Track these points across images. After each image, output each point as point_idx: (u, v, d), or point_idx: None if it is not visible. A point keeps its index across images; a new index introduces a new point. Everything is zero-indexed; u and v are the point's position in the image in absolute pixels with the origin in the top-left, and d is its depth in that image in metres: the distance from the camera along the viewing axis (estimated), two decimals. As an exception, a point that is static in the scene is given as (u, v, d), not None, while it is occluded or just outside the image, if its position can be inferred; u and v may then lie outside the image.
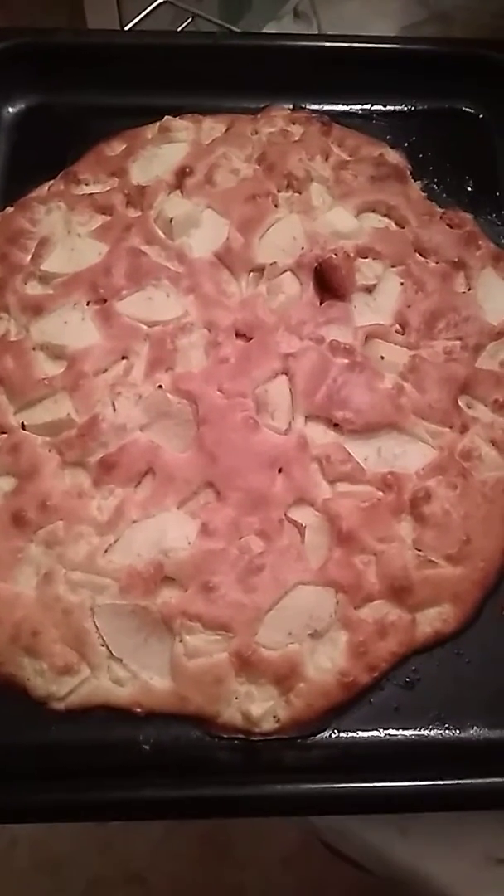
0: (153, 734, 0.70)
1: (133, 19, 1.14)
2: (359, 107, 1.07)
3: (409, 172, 0.99)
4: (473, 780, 0.67)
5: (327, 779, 0.67)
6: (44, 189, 0.97)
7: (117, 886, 1.77)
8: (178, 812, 0.72)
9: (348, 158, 0.99)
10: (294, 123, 1.01)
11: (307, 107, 1.04)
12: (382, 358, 0.84)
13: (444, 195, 0.99)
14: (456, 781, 0.67)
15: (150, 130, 1.00)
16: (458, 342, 0.86)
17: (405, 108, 1.08)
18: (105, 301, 0.86)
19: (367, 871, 0.83)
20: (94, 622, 0.72)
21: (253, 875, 1.79)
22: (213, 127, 1.01)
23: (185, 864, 1.79)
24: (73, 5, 1.38)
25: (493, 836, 0.74)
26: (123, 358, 0.84)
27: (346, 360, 0.83)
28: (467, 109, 1.08)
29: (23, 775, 0.68)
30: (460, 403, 0.84)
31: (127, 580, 0.73)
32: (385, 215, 0.95)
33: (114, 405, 0.81)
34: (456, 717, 0.72)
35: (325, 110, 1.05)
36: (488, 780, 0.67)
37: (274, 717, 0.70)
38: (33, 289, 0.89)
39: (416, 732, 0.71)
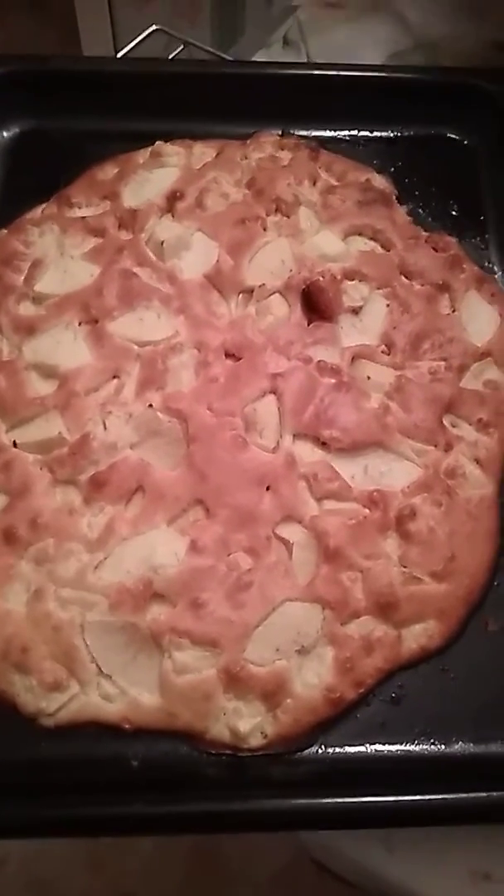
0: (142, 750, 0.71)
1: (126, 46, 1.17)
2: (346, 133, 1.10)
3: (395, 197, 1.01)
4: (459, 795, 0.68)
5: (315, 794, 0.68)
6: (37, 212, 0.99)
7: (108, 904, 1.76)
8: (168, 828, 0.72)
9: (336, 183, 1.01)
10: (283, 149, 1.03)
11: (296, 133, 1.07)
12: (369, 378, 0.86)
13: (430, 219, 1.02)
14: (442, 796, 0.67)
15: (142, 155, 1.02)
16: (442, 363, 0.88)
17: (392, 135, 1.10)
18: (97, 321, 0.87)
19: (355, 888, 0.83)
20: (84, 639, 0.73)
21: (244, 893, 1.77)
22: (203, 152, 1.03)
23: (175, 883, 1.77)
24: (67, 32, 1.41)
25: (478, 851, 0.74)
26: (114, 377, 0.85)
27: (333, 380, 0.85)
28: (452, 136, 1.11)
29: (12, 791, 0.68)
30: (445, 422, 0.85)
31: (116, 597, 0.74)
32: (371, 239, 0.97)
33: (105, 424, 0.82)
34: (441, 733, 0.73)
35: (314, 136, 1.07)
36: (474, 794, 0.68)
37: (261, 732, 0.71)
38: (26, 309, 0.90)
39: (402, 747, 0.72)
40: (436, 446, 0.83)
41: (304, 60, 1.23)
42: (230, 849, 1.79)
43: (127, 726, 0.71)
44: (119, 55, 1.17)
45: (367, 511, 0.79)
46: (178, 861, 1.79)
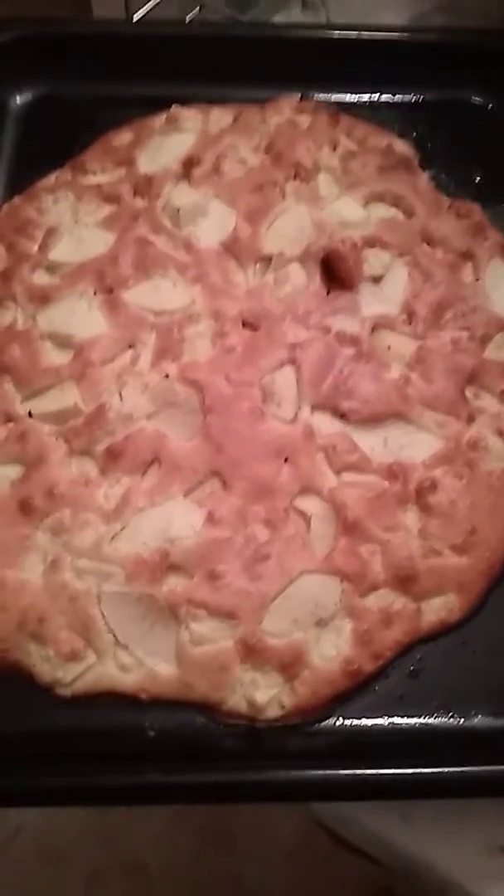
0: (158, 720, 0.71)
1: (140, 9, 1.14)
2: (367, 97, 1.07)
3: (417, 163, 0.99)
4: (476, 768, 0.67)
5: (331, 765, 0.68)
6: (51, 179, 0.97)
7: (118, 877, 1.78)
8: (183, 797, 0.73)
9: (356, 148, 0.98)
10: (302, 113, 1.01)
11: (315, 97, 1.04)
12: (389, 348, 0.84)
13: (452, 186, 0.99)
14: (459, 769, 0.67)
15: (158, 120, 1.00)
16: (465, 332, 0.86)
17: (413, 99, 1.08)
18: (112, 290, 0.86)
19: (369, 859, 0.84)
20: (101, 609, 0.73)
21: (254, 867, 1.79)
22: (220, 117, 1.01)
23: (186, 856, 1.80)
24: (79, -5, 1.38)
25: (495, 823, 0.74)
26: (130, 347, 0.84)
27: (352, 350, 0.83)
28: (476, 100, 1.08)
29: (29, 760, 0.69)
30: (467, 394, 0.83)
31: (133, 568, 0.73)
32: (393, 205, 0.95)
33: (120, 394, 0.81)
34: (460, 706, 0.72)
35: (333, 100, 1.05)
36: (491, 767, 0.67)
37: (279, 704, 0.70)
38: (40, 278, 0.89)
39: (421, 720, 0.72)
40: (457, 418, 0.82)
41: (324, 22, 1.20)
42: (242, 823, 1.81)
43: (143, 697, 0.71)
44: (135, 18, 1.14)
45: (386, 483, 0.78)
46: (190, 834, 1.81)
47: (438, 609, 0.75)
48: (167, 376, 0.81)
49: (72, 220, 0.92)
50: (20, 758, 0.69)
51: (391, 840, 0.74)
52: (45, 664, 0.72)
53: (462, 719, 0.72)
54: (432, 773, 0.67)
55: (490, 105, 1.07)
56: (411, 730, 0.71)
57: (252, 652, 0.71)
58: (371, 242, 0.89)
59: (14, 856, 1.80)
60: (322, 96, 1.05)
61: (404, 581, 0.74)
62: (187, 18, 1.16)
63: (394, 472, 0.78)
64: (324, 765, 0.68)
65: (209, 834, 1.81)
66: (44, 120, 1.04)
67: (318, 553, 0.75)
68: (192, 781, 0.68)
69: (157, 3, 1.16)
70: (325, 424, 0.80)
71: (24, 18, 1.07)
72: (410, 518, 0.77)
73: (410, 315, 0.86)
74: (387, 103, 1.07)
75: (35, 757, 0.69)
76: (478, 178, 1.00)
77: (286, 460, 0.78)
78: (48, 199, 0.94)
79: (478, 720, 0.72)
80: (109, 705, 0.71)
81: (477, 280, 0.90)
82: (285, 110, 1.01)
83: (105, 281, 0.86)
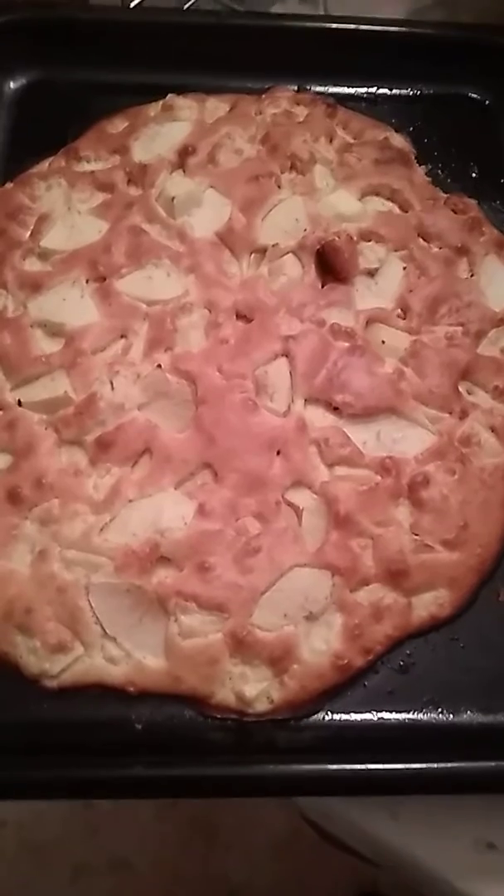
0: (146, 713, 0.70)
1: (137, -4, 1.13)
2: (364, 90, 1.07)
3: (413, 157, 0.98)
4: (465, 764, 0.67)
5: (319, 760, 0.67)
6: (44, 165, 0.96)
7: (103, 871, 1.78)
8: (170, 791, 0.72)
9: (353, 141, 0.98)
10: (298, 105, 1.00)
11: (312, 88, 1.04)
12: (383, 342, 0.84)
13: (449, 180, 0.99)
14: (447, 765, 0.67)
15: (153, 108, 0.99)
16: (459, 328, 0.86)
17: (411, 93, 1.07)
18: (104, 279, 0.85)
19: (355, 855, 0.83)
20: (89, 600, 0.72)
21: (239, 861, 1.79)
22: (216, 106, 1.00)
23: (171, 850, 1.80)
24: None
25: (483, 820, 0.74)
26: (122, 337, 0.83)
27: (346, 344, 0.82)
28: (473, 95, 1.07)
29: (14, 752, 0.68)
30: (460, 389, 0.83)
31: (122, 559, 0.72)
32: (389, 199, 0.94)
33: (112, 384, 0.80)
34: (449, 702, 0.72)
35: (331, 92, 1.04)
36: (480, 763, 0.67)
37: (267, 698, 0.70)
38: (32, 265, 0.88)
39: (410, 716, 0.71)
40: (450, 413, 0.81)
41: (322, 13, 1.19)
42: (227, 817, 1.81)
43: (131, 689, 0.70)
44: (132, 5, 1.12)
45: (378, 478, 0.77)
46: (176, 828, 1.81)
47: (429, 604, 0.75)
48: (159, 366, 0.81)
49: (64, 208, 0.91)
50: (4, 750, 0.68)
51: (379, 836, 0.74)
52: (31, 655, 0.71)
53: (451, 715, 0.72)
54: (420, 768, 0.67)
55: (487, 100, 1.07)
56: (400, 725, 0.71)
57: (241, 645, 0.70)
58: (366, 236, 0.89)
59: (-1, 849, 1.79)
60: (319, 88, 1.04)
61: (395, 576, 0.74)
62: (184, 6, 1.15)
63: (386, 466, 0.78)
64: (312, 760, 0.68)
65: (195, 827, 1.81)
66: (37, 106, 1.02)
67: (309, 547, 0.74)
68: (180, 775, 0.67)
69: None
70: (318, 418, 0.80)
71: (18, 3, 1.05)
72: (402, 513, 0.77)
73: (405, 309, 0.86)
74: (384, 96, 1.06)
75: (20, 749, 0.69)
76: (474, 174, 1.00)
77: (278, 453, 0.77)
78: (41, 185, 0.93)
79: (467, 716, 0.72)
80: (96, 698, 0.70)
81: (472, 276, 0.90)
82: (282, 101, 1.00)
83: (98, 269, 0.85)
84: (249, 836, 1.82)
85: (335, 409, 0.80)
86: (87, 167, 0.95)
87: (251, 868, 1.79)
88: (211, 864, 1.80)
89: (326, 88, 1.05)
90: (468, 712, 0.72)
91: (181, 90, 1.00)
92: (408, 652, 0.74)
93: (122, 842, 1.80)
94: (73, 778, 0.67)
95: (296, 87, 1.03)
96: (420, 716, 0.71)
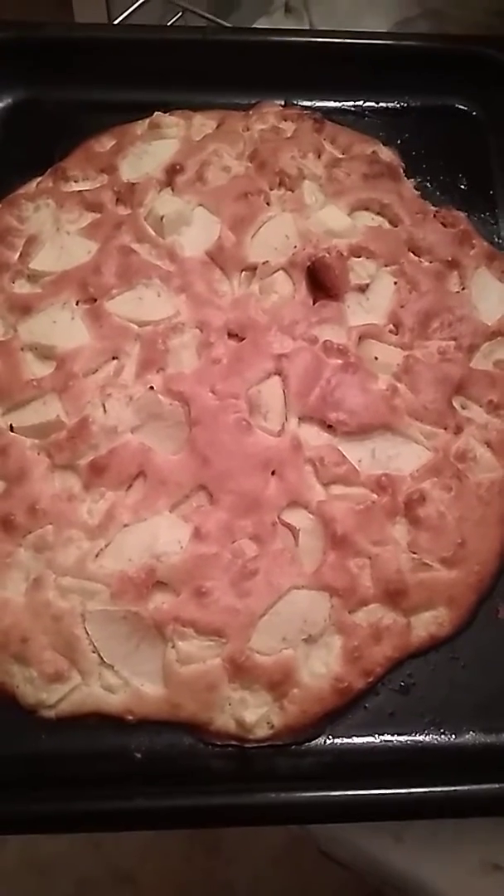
0: (145, 742, 0.69)
1: (122, 14, 1.13)
2: (351, 103, 1.06)
3: (402, 170, 0.98)
4: (469, 787, 0.66)
5: (322, 786, 0.66)
6: (32, 186, 0.95)
7: (107, 886, 1.76)
8: (171, 822, 0.71)
9: (341, 156, 0.97)
10: (286, 120, 1.00)
11: (299, 103, 1.03)
12: (376, 358, 0.83)
13: (438, 193, 0.99)
14: (452, 788, 0.66)
15: (140, 126, 0.99)
16: (452, 342, 0.85)
17: (398, 105, 1.07)
18: (95, 300, 0.85)
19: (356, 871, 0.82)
20: (85, 628, 0.71)
21: (243, 873, 1.78)
22: (203, 123, 0.99)
23: (174, 864, 1.78)
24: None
25: (489, 842, 0.73)
26: (114, 358, 0.82)
27: (339, 361, 0.82)
28: (461, 107, 1.07)
29: (12, 785, 0.67)
30: (455, 404, 0.83)
31: (118, 585, 0.72)
32: (378, 214, 0.94)
33: (104, 407, 0.79)
34: (451, 722, 0.71)
35: (318, 107, 1.04)
36: (484, 786, 0.67)
37: (268, 723, 0.69)
38: (21, 287, 0.87)
39: (412, 738, 0.71)
40: (445, 429, 0.81)
41: (307, 27, 1.19)
42: (229, 830, 1.80)
43: (130, 718, 0.69)
44: (115, 22, 1.12)
45: (375, 496, 0.77)
46: (177, 843, 1.79)
47: (428, 624, 0.74)
48: (152, 388, 0.80)
49: (53, 228, 0.90)
50: (2, 783, 0.67)
51: (383, 859, 0.73)
52: (28, 685, 0.70)
53: (454, 735, 0.71)
54: (425, 793, 0.66)
55: (475, 112, 1.07)
56: (403, 748, 0.70)
57: (240, 670, 0.70)
58: (357, 251, 0.88)
59: (1, 866, 1.78)
60: (306, 103, 1.04)
61: (394, 595, 0.73)
62: (169, 23, 1.15)
63: (382, 484, 0.77)
64: (314, 786, 0.67)
65: (198, 840, 1.80)
66: (24, 126, 1.02)
67: (306, 568, 0.74)
68: (180, 806, 0.66)
69: (139, 6, 1.15)
70: (313, 436, 0.79)
71: (3, 22, 1.05)
72: (399, 531, 0.77)
73: (397, 325, 0.86)
74: (371, 109, 1.06)
75: (18, 782, 0.68)
76: (463, 186, 1.00)
77: (273, 473, 0.77)
78: (28, 206, 0.92)
79: (469, 736, 0.71)
80: (95, 727, 0.70)
81: (463, 289, 0.89)
82: (269, 117, 1.00)
83: (88, 290, 0.85)
84: (252, 848, 1.81)
85: (329, 428, 0.80)
86: (74, 187, 0.95)
87: (255, 879, 1.78)
88: (214, 876, 1.79)
89: (313, 102, 1.04)
90: (470, 732, 0.71)
91: (167, 107, 1.00)
92: (408, 672, 0.73)
93: (125, 856, 1.79)
94: (74, 811, 0.66)
95: (283, 102, 1.02)
96: (422, 737, 0.71)
